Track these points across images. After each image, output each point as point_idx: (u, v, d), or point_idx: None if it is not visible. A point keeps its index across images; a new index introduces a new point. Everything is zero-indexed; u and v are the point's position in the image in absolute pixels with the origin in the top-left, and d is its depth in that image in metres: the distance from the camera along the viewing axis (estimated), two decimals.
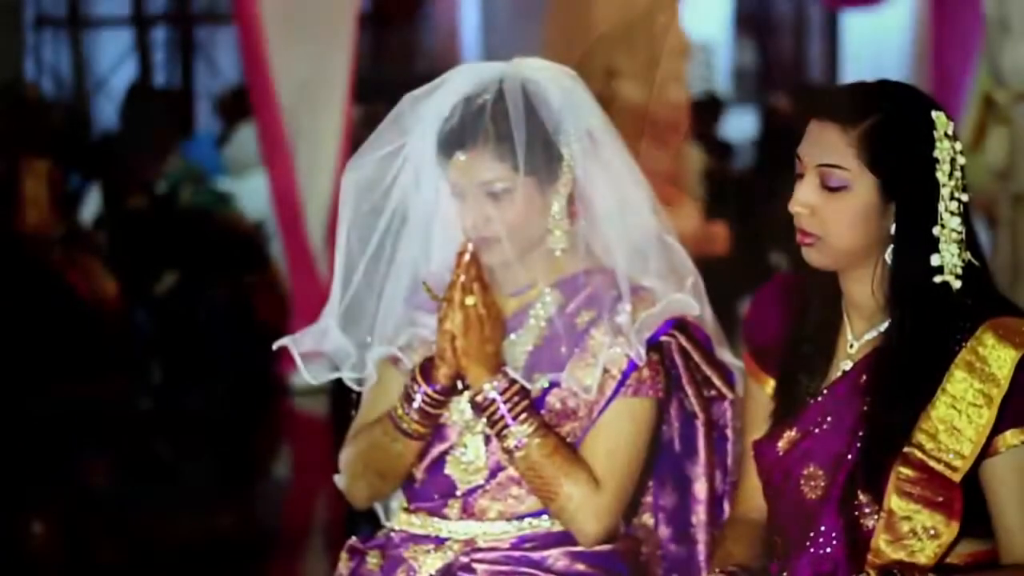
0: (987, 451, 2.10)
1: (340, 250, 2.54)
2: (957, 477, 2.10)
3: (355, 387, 2.57)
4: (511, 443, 2.40)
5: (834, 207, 2.14)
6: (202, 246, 7.22)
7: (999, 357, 2.09)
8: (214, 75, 11.76)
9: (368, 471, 2.51)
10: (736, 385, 2.52)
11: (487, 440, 2.47)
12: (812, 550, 2.16)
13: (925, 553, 2.10)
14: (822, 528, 2.15)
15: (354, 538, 2.56)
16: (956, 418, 2.10)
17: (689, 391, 2.50)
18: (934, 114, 2.14)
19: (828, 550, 2.15)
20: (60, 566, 4.85)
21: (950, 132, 2.13)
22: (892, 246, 2.14)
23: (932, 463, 2.10)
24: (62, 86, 11.56)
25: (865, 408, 2.16)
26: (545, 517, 2.46)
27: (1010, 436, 2.10)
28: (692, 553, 2.53)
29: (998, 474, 2.11)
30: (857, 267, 2.18)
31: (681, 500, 2.54)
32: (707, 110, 10.74)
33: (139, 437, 6.62)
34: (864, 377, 2.18)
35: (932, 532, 2.10)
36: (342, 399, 2.59)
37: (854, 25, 13.95)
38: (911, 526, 2.10)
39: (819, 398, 2.21)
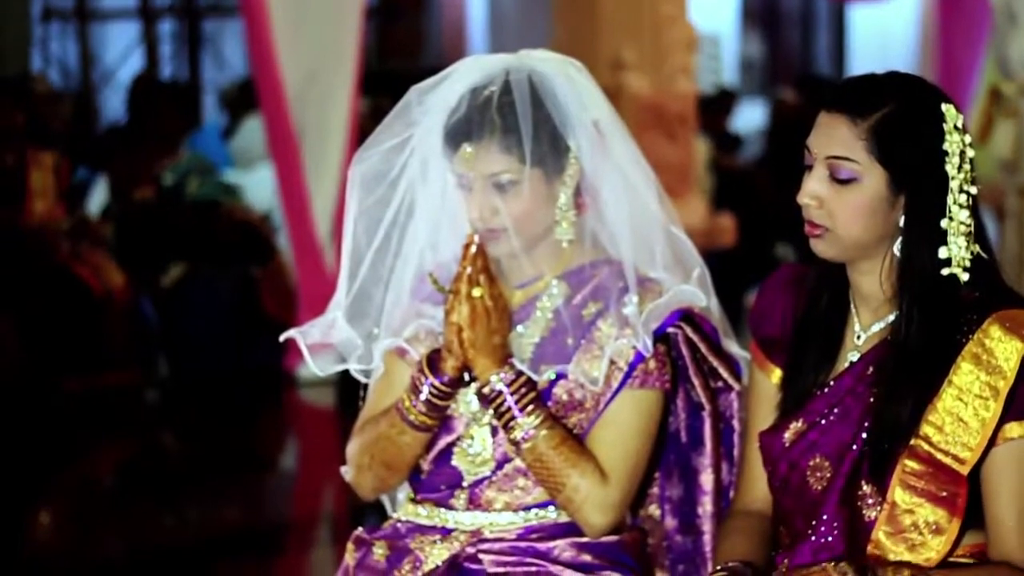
0: (991, 443, 2.10)
1: (347, 242, 2.54)
2: (965, 470, 2.10)
3: (362, 379, 2.58)
4: (518, 435, 2.40)
5: (843, 199, 2.13)
6: (209, 238, 7.22)
7: (1005, 349, 2.09)
8: (221, 67, 11.76)
9: (375, 463, 2.51)
10: (743, 376, 2.52)
11: (494, 431, 2.47)
12: (813, 538, 2.16)
13: (927, 547, 2.10)
14: (824, 517, 2.15)
15: (361, 529, 2.56)
16: (963, 410, 2.10)
17: (696, 382, 2.49)
18: (944, 107, 2.13)
19: (829, 539, 2.15)
20: (67, 557, 4.85)
21: (959, 125, 2.13)
22: (900, 238, 2.14)
23: (939, 456, 2.10)
24: (69, 78, 11.56)
25: (872, 400, 2.16)
26: (551, 508, 2.46)
27: (1009, 429, 2.10)
28: (698, 544, 2.53)
29: (996, 465, 2.11)
30: (865, 259, 2.18)
31: (687, 491, 2.54)
32: (719, 103, 10.74)
33: (146, 429, 6.63)
34: (871, 369, 2.18)
35: (934, 527, 2.10)
36: (349, 391, 2.58)
37: (861, 17, 13.95)
38: (913, 520, 2.10)
39: (826, 389, 2.21)
